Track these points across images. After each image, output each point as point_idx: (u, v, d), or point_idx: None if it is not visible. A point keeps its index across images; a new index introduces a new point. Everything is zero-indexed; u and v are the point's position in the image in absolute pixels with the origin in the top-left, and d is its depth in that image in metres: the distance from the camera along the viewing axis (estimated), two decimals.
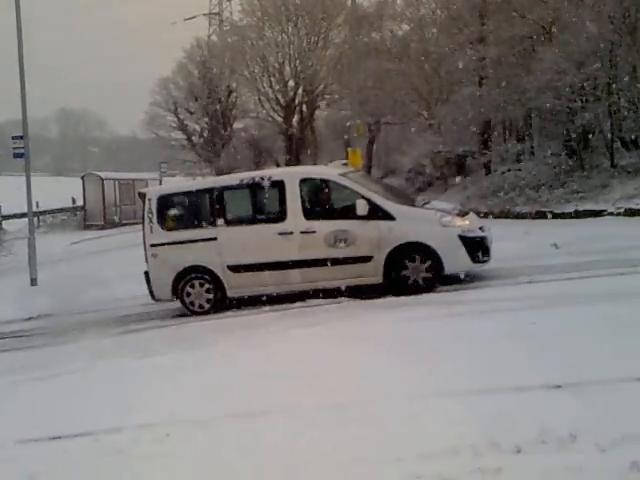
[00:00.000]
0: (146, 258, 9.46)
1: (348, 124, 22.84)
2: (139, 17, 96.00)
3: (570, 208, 15.36)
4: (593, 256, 9.00)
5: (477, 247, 8.46)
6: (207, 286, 9.16)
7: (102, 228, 30.46)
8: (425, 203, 9.55)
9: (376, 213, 8.47)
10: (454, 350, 5.15)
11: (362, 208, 8.44)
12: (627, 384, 3.99)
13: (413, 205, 9.17)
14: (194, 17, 45.88)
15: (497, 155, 21.88)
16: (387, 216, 8.47)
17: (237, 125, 35.70)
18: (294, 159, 29.62)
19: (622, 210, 14.45)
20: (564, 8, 17.02)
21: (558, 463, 3.22)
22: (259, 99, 33.00)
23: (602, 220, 14.12)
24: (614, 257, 8.76)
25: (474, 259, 8.42)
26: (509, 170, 20.32)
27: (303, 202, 8.82)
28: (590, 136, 17.60)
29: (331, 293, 8.71)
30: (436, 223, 8.46)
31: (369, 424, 3.98)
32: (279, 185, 8.95)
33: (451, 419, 3.83)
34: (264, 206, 9.31)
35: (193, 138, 35.53)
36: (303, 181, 8.97)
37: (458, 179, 20.50)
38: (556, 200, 16.14)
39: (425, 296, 8.10)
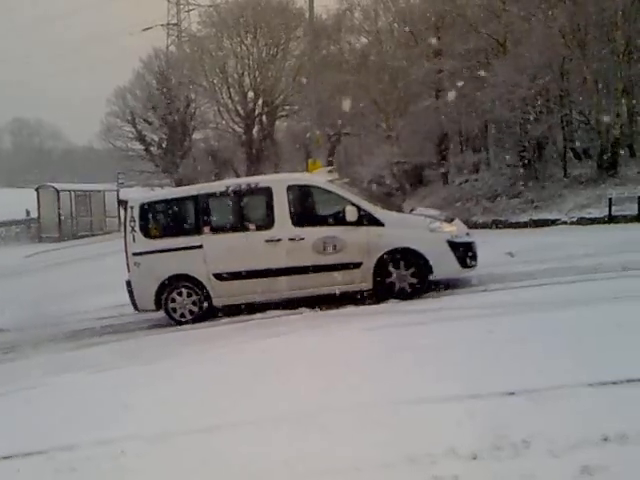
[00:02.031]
0: (128, 267, 9.24)
1: (308, 135, 22.93)
2: (95, 27, 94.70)
3: (525, 217, 15.73)
4: (547, 264, 9.20)
5: (465, 252, 8.51)
6: (192, 295, 9.01)
7: (58, 240, 29.81)
8: (412, 210, 9.56)
9: (365, 219, 8.45)
10: (412, 358, 5.18)
11: (351, 214, 8.41)
12: (579, 390, 4.06)
13: (401, 211, 9.17)
14: (151, 27, 45.63)
15: (454, 166, 22.30)
16: (376, 222, 8.45)
17: (196, 136, 35.52)
18: (254, 170, 29.54)
19: (575, 219, 14.89)
20: (517, 23, 17.46)
21: (512, 469, 3.26)
22: (218, 110, 32.91)
23: (556, 229, 14.49)
24: (567, 265, 8.97)
25: (463, 264, 8.46)
26: (466, 181, 20.72)
27: (291, 209, 8.73)
28: (544, 147, 18.07)
29: (291, 304, 8.71)
30: (425, 229, 8.48)
31: (327, 434, 3.97)
32: (266, 192, 8.84)
33: (407, 427, 3.85)
34: (251, 213, 9.18)
35: (151, 149, 35.18)
36: (291, 188, 8.85)
37: None
38: (512, 210, 16.51)
39: (383, 305, 8.16)
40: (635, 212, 14.13)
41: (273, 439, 4.03)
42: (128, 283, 9.25)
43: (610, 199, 14.49)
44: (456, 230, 8.75)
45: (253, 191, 9.04)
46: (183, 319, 9.05)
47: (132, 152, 35.23)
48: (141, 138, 34.84)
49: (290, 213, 8.71)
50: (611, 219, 14.32)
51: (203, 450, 4.04)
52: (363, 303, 8.39)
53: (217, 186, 9.80)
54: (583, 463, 3.16)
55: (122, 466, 4.00)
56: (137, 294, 9.20)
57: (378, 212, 8.57)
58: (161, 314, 9.76)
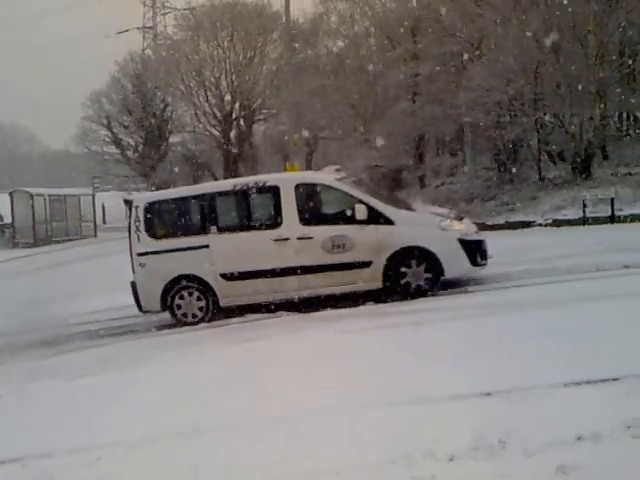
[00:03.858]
0: (133, 268, 9.05)
1: (286, 138, 22.93)
2: (71, 30, 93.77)
3: (501, 220, 15.89)
4: (524, 266, 9.28)
5: (476, 250, 8.39)
6: (199, 296, 8.84)
7: (32, 246, 29.41)
8: (421, 208, 9.37)
9: (375, 218, 8.30)
10: (387, 361, 5.19)
11: (361, 213, 8.26)
12: (554, 390, 4.12)
13: (410, 209, 8.98)
14: (127, 30, 45.40)
15: (431, 169, 22.45)
16: (386, 220, 8.31)
17: (173, 139, 35.40)
18: (232, 173, 29.47)
19: (550, 221, 15.11)
20: (491, 27, 17.66)
21: (489, 469, 3.30)
22: (195, 113, 32.82)
23: (531, 231, 14.67)
24: (544, 266, 9.07)
25: (473, 262, 8.35)
26: (443, 184, 20.89)
27: (299, 207, 8.56)
28: (519, 150, 18.28)
29: (269, 308, 8.71)
30: (436, 227, 8.35)
31: (306, 438, 3.98)
32: (274, 191, 8.69)
33: (386, 429, 3.87)
34: (258, 212, 9.03)
35: (127, 152, 34.98)
36: (299, 186, 8.69)
37: None
38: (488, 212, 16.67)
39: (361, 308, 8.17)
40: (608, 213, 14.37)
41: (250, 444, 4.02)
42: (133, 284, 9.05)
43: (584, 201, 14.71)
44: (466, 228, 8.66)
45: (260, 190, 8.88)
46: (189, 320, 8.87)
47: (108, 156, 35.04)
48: (117, 142, 34.63)
49: (298, 212, 8.56)
50: (585, 221, 14.54)
51: (182, 455, 4.01)
52: (342, 306, 8.39)
53: (224, 185, 9.66)
54: (558, 462, 3.20)
55: (99, 473, 3.97)
56: (142, 295, 9.00)
57: (388, 210, 8.42)
58: (140, 319, 9.71)
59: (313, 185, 8.93)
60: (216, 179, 29.33)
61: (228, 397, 4.94)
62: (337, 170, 9.76)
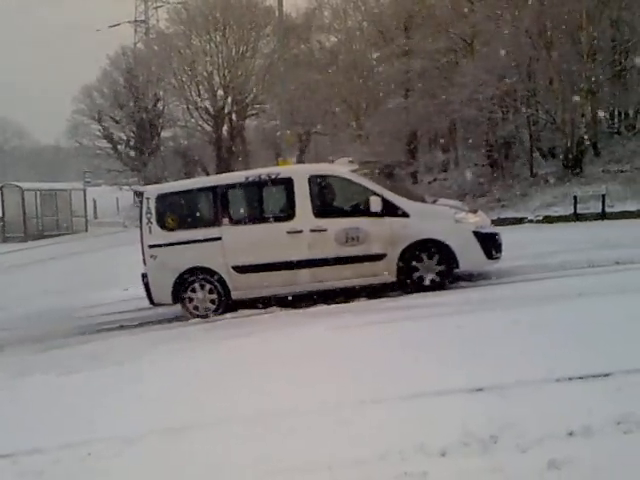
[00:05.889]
0: (144, 260, 8.95)
1: (278, 134, 22.86)
2: (62, 23, 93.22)
3: (493, 216, 15.83)
4: (515, 262, 9.30)
5: (491, 243, 8.35)
6: (211, 288, 8.76)
7: (23, 240, 29.28)
8: (434, 200, 9.32)
9: (389, 210, 8.23)
10: (379, 357, 5.19)
11: (376, 205, 8.20)
12: (546, 385, 4.13)
13: (424, 202, 8.92)
14: (119, 24, 45.15)
15: (424, 165, 22.48)
16: (401, 213, 8.25)
17: (165, 134, 35.24)
18: (224, 169, 29.37)
19: (541, 217, 15.18)
20: (484, 23, 17.67)
21: (481, 464, 3.30)
22: (187, 108, 32.70)
23: (523, 227, 14.73)
24: (535, 262, 9.10)
25: (488, 255, 8.29)
26: (435, 180, 20.92)
27: (313, 199, 8.49)
28: (511, 147, 18.32)
29: (262, 303, 8.70)
30: (450, 219, 8.29)
31: (298, 434, 3.97)
32: (287, 182, 8.60)
33: (378, 425, 3.88)
34: (271, 204, 8.97)
35: (119, 147, 34.79)
36: (312, 178, 8.60)
37: None
38: (480, 208, 16.64)
39: (353, 304, 8.17)
40: (599, 210, 14.44)
41: (241, 439, 4.02)
42: (144, 276, 8.96)
43: (575, 197, 14.78)
44: (481, 221, 8.61)
45: (273, 182, 8.80)
46: (201, 313, 8.79)
47: (99, 150, 34.82)
48: (108, 136, 34.43)
49: (312, 204, 8.48)
50: (576, 217, 14.62)
51: (172, 451, 4.00)
52: (335, 302, 8.39)
53: (236, 177, 9.52)
54: (550, 457, 3.21)
55: (90, 468, 3.95)
56: (153, 287, 8.90)
57: (403, 203, 8.35)
58: (132, 315, 9.69)
59: (327, 177, 8.82)
60: (208, 174, 29.24)
61: (220, 393, 4.93)
62: (350, 162, 9.65)
